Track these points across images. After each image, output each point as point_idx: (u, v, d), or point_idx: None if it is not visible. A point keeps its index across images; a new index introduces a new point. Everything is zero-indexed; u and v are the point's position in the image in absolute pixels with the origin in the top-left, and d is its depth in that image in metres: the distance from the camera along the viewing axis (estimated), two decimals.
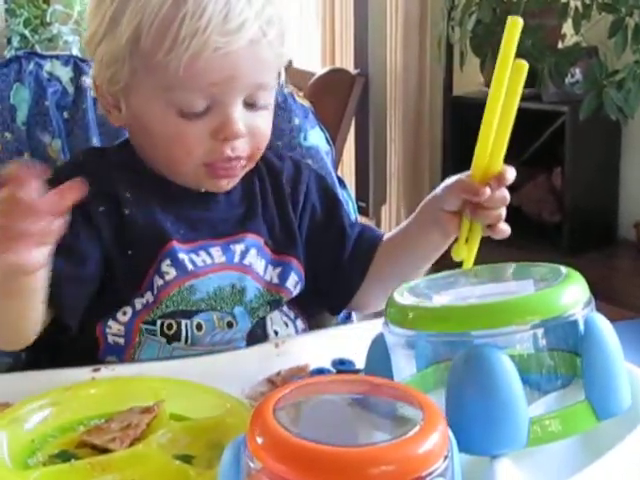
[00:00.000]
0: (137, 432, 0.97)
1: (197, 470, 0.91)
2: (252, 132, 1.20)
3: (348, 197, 1.52)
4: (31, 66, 1.33)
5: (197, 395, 1.06)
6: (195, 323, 1.22)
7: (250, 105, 1.20)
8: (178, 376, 1.10)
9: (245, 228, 1.28)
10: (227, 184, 1.25)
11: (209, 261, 1.24)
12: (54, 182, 1.16)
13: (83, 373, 1.13)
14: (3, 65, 1.33)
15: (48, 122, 1.34)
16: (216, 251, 1.24)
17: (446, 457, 0.75)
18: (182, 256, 1.22)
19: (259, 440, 0.75)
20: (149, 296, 1.21)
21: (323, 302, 1.40)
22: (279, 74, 1.27)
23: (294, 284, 1.30)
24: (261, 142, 1.24)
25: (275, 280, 1.28)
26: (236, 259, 1.25)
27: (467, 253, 1.16)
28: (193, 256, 1.23)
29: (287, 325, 1.31)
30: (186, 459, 0.93)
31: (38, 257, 0.93)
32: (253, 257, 1.26)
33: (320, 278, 1.33)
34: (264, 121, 1.23)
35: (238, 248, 1.26)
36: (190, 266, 1.22)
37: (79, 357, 1.19)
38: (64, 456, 0.96)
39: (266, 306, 1.28)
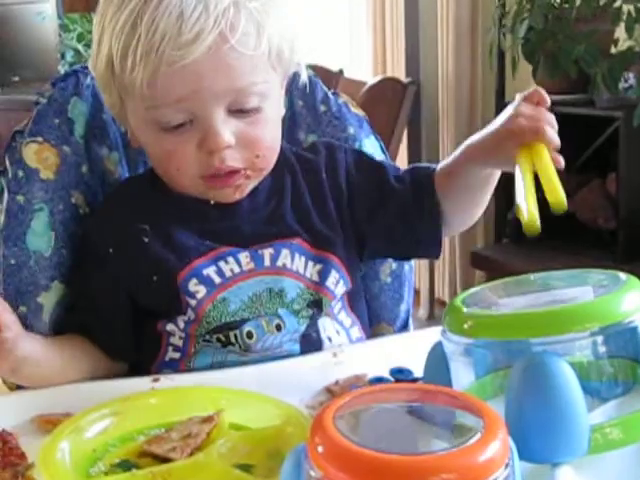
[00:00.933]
0: (197, 441, 0.98)
1: (257, 479, 0.91)
2: (244, 140, 1.18)
3: None
4: (88, 80, 1.34)
5: (256, 404, 1.07)
6: (245, 332, 1.22)
7: (237, 111, 1.17)
8: (237, 385, 1.11)
9: (273, 230, 1.26)
10: (233, 194, 1.23)
11: (237, 269, 1.23)
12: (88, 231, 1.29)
13: (143, 383, 1.15)
14: (61, 79, 1.34)
15: (105, 135, 1.35)
16: (244, 257, 1.24)
17: (507, 465, 0.75)
18: (206, 271, 1.22)
19: (320, 449, 0.75)
20: (190, 314, 1.22)
21: (420, 253, 1.42)
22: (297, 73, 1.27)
23: (334, 282, 1.28)
24: (259, 149, 1.20)
25: (315, 277, 1.26)
26: (267, 263, 1.24)
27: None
28: (222, 264, 1.23)
29: (339, 333, 1.30)
30: (246, 468, 0.94)
31: None
32: (286, 258, 1.25)
33: (401, 240, 1.32)
34: (259, 127, 1.20)
35: (267, 252, 1.25)
36: (218, 279, 1.22)
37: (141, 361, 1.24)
38: (125, 465, 0.97)
39: (307, 308, 1.26)
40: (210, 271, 1.22)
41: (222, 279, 1.22)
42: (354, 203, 1.32)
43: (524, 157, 1.10)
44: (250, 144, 1.19)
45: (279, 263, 1.25)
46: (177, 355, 1.23)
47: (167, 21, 1.10)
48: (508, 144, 1.12)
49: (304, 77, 1.34)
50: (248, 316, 1.22)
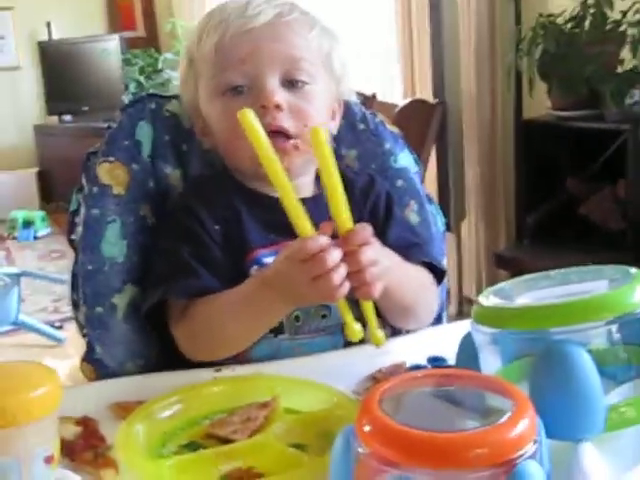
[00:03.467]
0: (256, 424, 0.99)
1: (310, 457, 0.92)
2: (293, 109, 1.21)
3: (436, 211, 1.50)
4: (153, 105, 1.36)
5: (308, 391, 1.07)
6: (293, 316, 1.22)
7: (288, 83, 1.22)
8: (290, 374, 1.12)
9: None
10: (283, 162, 1.17)
11: None
12: (182, 205, 1.27)
13: (206, 373, 1.15)
14: (129, 106, 1.36)
15: (169, 154, 1.36)
16: None
17: (536, 441, 0.75)
18: (267, 260, 1.22)
19: (367, 428, 0.76)
20: None
21: None
22: (331, 71, 1.28)
23: None
24: (307, 119, 1.22)
25: None
26: None
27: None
28: None
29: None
30: (300, 447, 0.95)
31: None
32: None
33: None
34: (307, 100, 1.23)
35: None
36: None
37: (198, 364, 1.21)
38: (192, 446, 0.98)
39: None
40: (270, 259, 1.21)
41: None
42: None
43: None
44: (299, 113, 1.22)
45: None
46: None
47: (236, 6, 1.24)
48: None
49: (353, 99, 1.41)
50: None
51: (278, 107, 1.19)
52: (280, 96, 1.20)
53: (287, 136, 1.21)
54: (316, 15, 1.28)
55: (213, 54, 1.22)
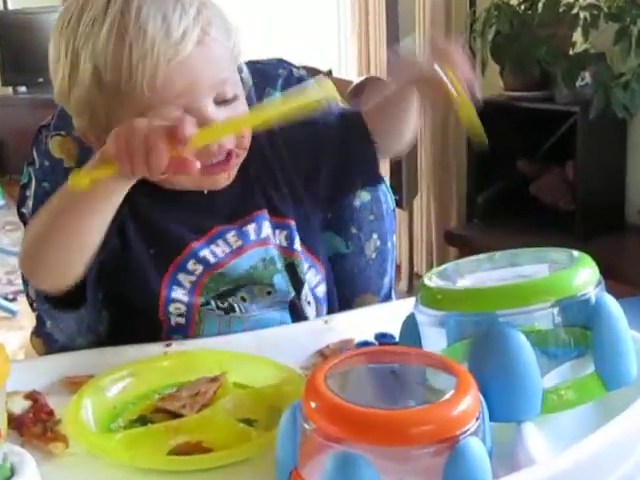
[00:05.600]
0: (205, 399, 0.99)
1: (258, 432, 0.92)
2: None
3: (387, 189, 1.50)
4: None
5: (257, 366, 1.07)
6: (239, 297, 1.22)
7: (221, 102, 1.14)
8: (239, 349, 1.12)
9: (249, 206, 1.25)
10: (226, 179, 1.20)
11: (227, 250, 1.22)
12: None
13: (157, 348, 1.15)
14: None
15: None
16: (232, 236, 1.22)
17: (478, 418, 0.76)
18: (203, 253, 1.21)
19: (313, 404, 0.76)
20: (190, 286, 1.21)
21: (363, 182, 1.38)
22: (239, 67, 1.23)
23: (299, 243, 1.28)
24: (243, 130, 1.18)
25: (284, 243, 1.26)
26: (252, 237, 1.23)
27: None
28: (213, 247, 1.21)
29: (310, 304, 1.30)
30: (249, 422, 0.95)
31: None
32: (267, 228, 1.24)
33: (345, 178, 1.31)
34: (239, 111, 1.16)
35: (250, 228, 1.24)
36: (212, 259, 1.21)
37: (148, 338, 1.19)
38: (142, 420, 0.98)
39: (284, 272, 1.25)
40: (206, 252, 1.21)
41: (216, 259, 1.21)
42: (295, 166, 1.30)
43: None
44: None
45: (263, 234, 1.24)
46: (182, 320, 1.21)
47: (153, 25, 1.07)
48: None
49: (245, 74, 1.37)
50: (244, 283, 1.22)
51: None
52: (219, 119, 1.13)
53: (229, 154, 1.17)
54: (219, 8, 1.17)
55: (145, 91, 1.07)
